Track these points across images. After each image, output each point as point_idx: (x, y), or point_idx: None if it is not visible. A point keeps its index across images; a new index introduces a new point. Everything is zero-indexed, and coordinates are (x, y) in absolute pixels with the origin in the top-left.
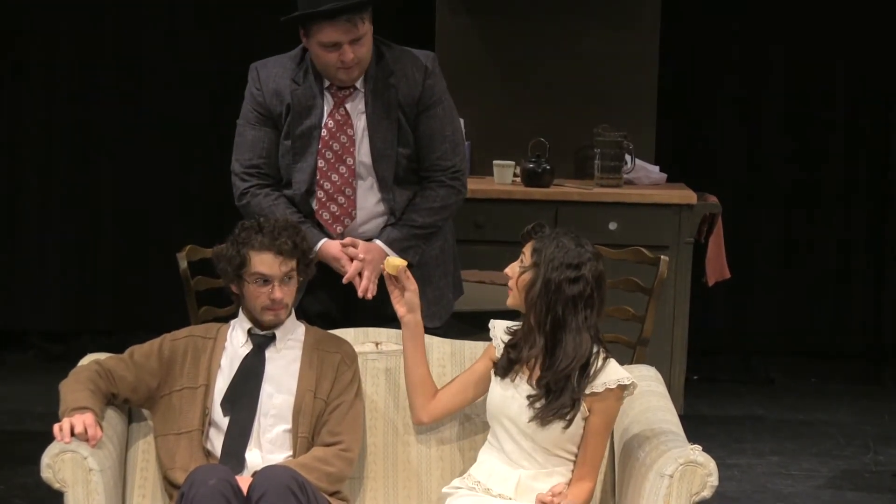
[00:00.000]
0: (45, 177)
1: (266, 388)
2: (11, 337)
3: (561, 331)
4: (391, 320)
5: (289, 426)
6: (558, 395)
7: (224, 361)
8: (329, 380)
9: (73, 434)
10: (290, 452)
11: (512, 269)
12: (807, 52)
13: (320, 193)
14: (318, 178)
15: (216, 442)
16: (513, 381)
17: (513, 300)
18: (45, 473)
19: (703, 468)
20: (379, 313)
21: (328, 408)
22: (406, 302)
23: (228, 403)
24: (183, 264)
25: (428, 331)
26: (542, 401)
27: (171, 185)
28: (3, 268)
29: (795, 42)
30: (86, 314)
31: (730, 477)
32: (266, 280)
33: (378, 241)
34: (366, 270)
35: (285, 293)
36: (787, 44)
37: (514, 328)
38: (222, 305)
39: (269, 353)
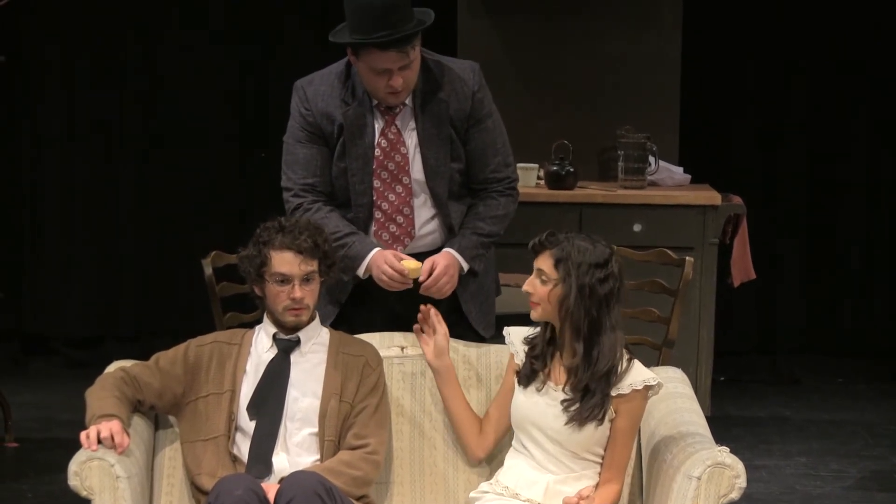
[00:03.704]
0: (69, 184)
1: (292, 393)
2: (37, 344)
3: (597, 332)
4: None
5: (315, 430)
6: (592, 395)
7: (249, 367)
8: (354, 383)
9: (99, 441)
10: (317, 456)
11: (532, 285)
12: (830, 51)
13: (378, 214)
14: (375, 198)
15: (242, 447)
16: (539, 390)
17: (540, 314)
18: (73, 481)
19: (730, 470)
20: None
21: (353, 411)
22: (435, 345)
23: (254, 408)
24: (208, 270)
25: (484, 341)
26: (577, 404)
27: (196, 190)
28: (27, 275)
29: (819, 40)
30: (111, 321)
31: (758, 478)
32: (286, 279)
33: (450, 250)
34: (446, 276)
35: (306, 293)
36: (811, 42)
37: (533, 335)
38: (247, 311)
39: (294, 358)
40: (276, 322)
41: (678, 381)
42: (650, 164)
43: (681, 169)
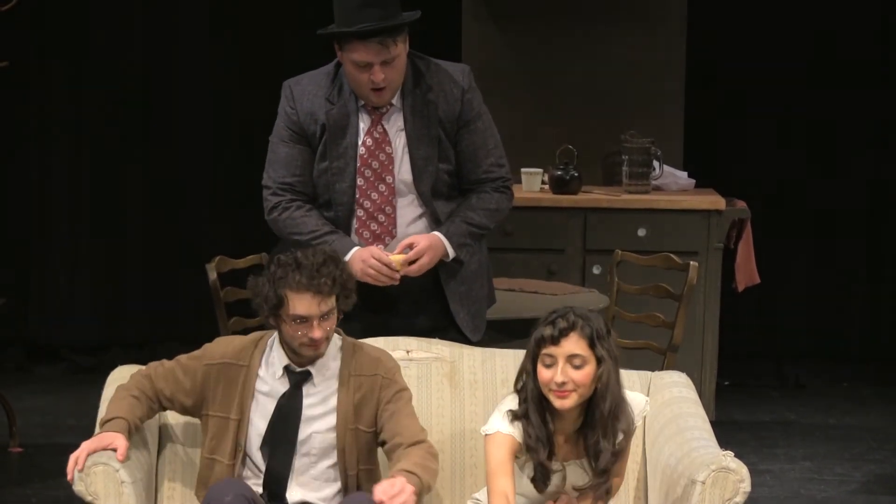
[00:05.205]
0: (74, 190)
1: (305, 429)
2: (42, 350)
3: (624, 397)
4: (424, 332)
5: (333, 461)
6: (614, 459)
7: (259, 389)
8: (371, 406)
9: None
10: (338, 484)
11: (566, 375)
12: (835, 56)
13: (360, 212)
14: (357, 196)
15: (253, 480)
16: (559, 474)
17: (576, 399)
18: (77, 486)
19: (735, 474)
20: (412, 325)
21: (384, 416)
22: None
23: (266, 446)
24: (212, 276)
25: (471, 344)
26: (603, 478)
27: (201, 196)
28: (33, 281)
29: (824, 45)
30: (116, 327)
31: (762, 483)
32: (304, 320)
33: (437, 234)
34: (425, 256)
35: (324, 330)
36: (815, 47)
37: (525, 430)
38: (252, 316)
39: (307, 389)
40: (289, 351)
41: (683, 386)
42: (654, 169)
43: (685, 174)
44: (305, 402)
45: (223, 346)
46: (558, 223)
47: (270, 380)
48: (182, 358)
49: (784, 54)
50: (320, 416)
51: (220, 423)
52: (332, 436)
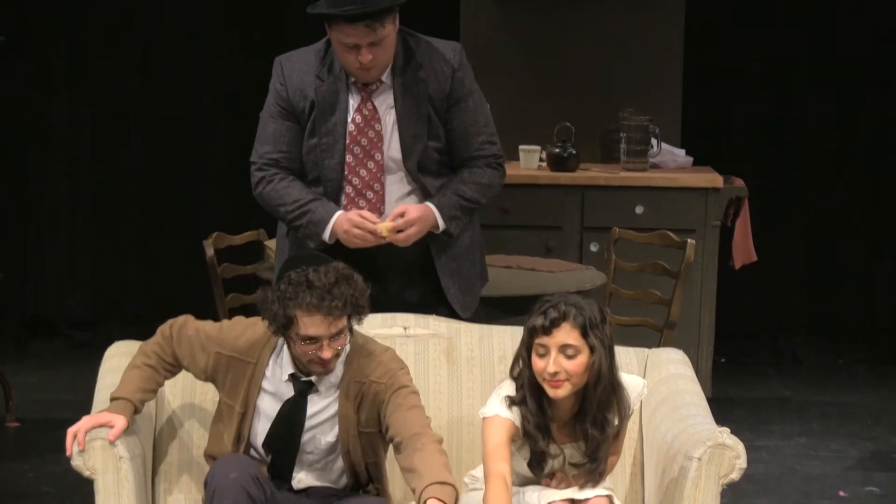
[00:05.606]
0: (73, 164)
1: (308, 434)
2: (39, 325)
3: (619, 383)
4: (413, 307)
5: (334, 454)
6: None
7: (265, 390)
8: (371, 407)
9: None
10: (346, 477)
11: (559, 365)
12: (834, 33)
13: (349, 189)
14: (346, 173)
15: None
16: (555, 456)
17: (570, 389)
18: (76, 461)
19: (731, 451)
20: (402, 300)
21: (386, 415)
22: None
23: (270, 447)
24: (209, 252)
25: (466, 321)
26: (598, 461)
27: (198, 171)
28: (29, 256)
29: (822, 22)
30: (113, 302)
31: (758, 459)
32: (315, 340)
33: (429, 204)
34: (414, 227)
35: (334, 349)
36: (814, 24)
37: (529, 421)
38: (249, 292)
39: (311, 398)
40: (297, 360)
41: (679, 363)
42: (652, 147)
43: (683, 151)
44: (309, 410)
45: (235, 337)
46: (556, 200)
47: (276, 381)
48: (203, 331)
49: (782, 33)
50: (323, 423)
51: (227, 410)
52: (335, 441)
